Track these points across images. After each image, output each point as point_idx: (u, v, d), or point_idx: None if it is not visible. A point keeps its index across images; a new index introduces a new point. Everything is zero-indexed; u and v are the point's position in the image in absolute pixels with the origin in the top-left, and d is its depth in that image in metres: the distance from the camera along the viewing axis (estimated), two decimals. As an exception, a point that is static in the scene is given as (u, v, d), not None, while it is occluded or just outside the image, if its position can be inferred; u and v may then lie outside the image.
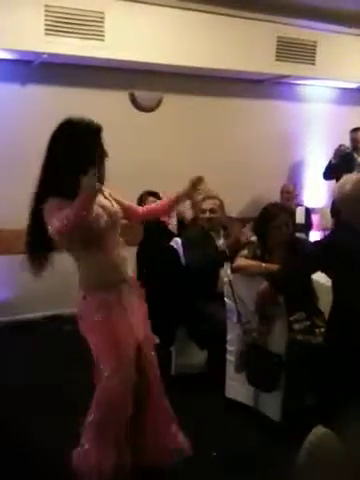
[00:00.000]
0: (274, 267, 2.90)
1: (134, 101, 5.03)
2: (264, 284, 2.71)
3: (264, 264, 2.99)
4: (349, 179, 2.47)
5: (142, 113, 5.07)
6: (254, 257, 3.07)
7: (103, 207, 2.15)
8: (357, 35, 5.71)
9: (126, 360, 2.17)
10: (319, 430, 1.25)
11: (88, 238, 2.10)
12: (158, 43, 4.57)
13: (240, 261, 3.09)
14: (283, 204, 4.37)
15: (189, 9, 4.74)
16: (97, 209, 2.08)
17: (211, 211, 3.58)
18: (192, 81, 5.23)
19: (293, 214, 5.00)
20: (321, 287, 3.06)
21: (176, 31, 4.65)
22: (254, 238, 3.19)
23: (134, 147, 4.98)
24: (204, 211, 3.59)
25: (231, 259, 3.26)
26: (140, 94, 5.02)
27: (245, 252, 3.13)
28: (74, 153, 2.01)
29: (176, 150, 5.19)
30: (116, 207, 2.26)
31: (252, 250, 3.11)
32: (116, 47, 4.39)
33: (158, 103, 5.14)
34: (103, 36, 4.33)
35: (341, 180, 2.51)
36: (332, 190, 2.48)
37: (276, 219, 3.08)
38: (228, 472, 2.53)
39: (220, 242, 3.62)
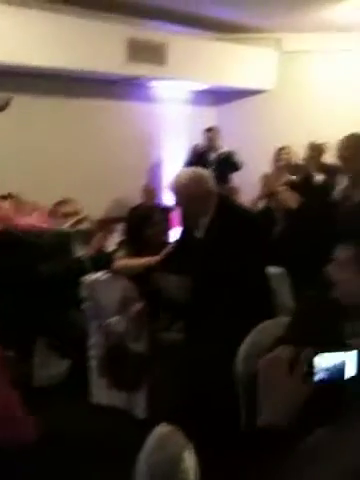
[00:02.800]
0: (153, 259, 2.89)
1: (-20, 101, 4.71)
2: (139, 305, 2.72)
3: (143, 259, 2.95)
4: (185, 171, 2.64)
5: (-11, 114, 4.78)
6: (130, 256, 3.04)
7: None
8: (207, 38, 5.97)
9: None
10: (162, 428, 1.23)
11: None
12: (4, 41, 4.35)
13: (120, 262, 3.03)
14: (151, 204, 4.43)
15: (39, 8, 4.61)
16: None
17: (74, 214, 3.47)
18: (44, 81, 5.07)
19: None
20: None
21: (23, 30, 4.47)
22: (123, 238, 3.17)
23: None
24: (67, 215, 3.45)
25: (95, 267, 3.20)
26: (-14, 94, 4.71)
27: (121, 253, 3.07)
28: None
29: (29, 152, 4.98)
30: None
31: (127, 249, 3.06)
32: None
33: (7, 103, 4.87)
34: None
35: (178, 172, 2.63)
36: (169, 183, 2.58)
37: (151, 219, 3.11)
38: (97, 472, 2.46)
39: (80, 249, 3.50)
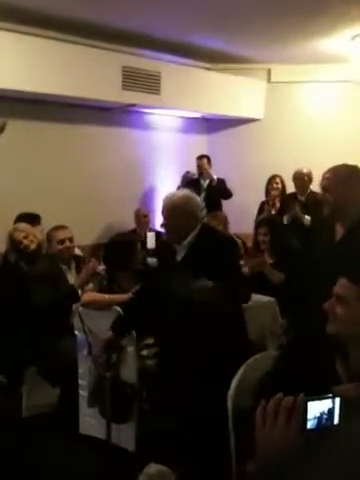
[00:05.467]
0: (118, 297, 2.92)
1: (-25, 126, 4.75)
2: (109, 334, 2.70)
3: (107, 296, 2.99)
4: (178, 192, 2.76)
5: (-16, 139, 4.81)
6: (100, 289, 3.06)
7: None
8: (199, 67, 6.09)
9: None
10: (151, 468, 1.24)
11: None
12: (1, 67, 4.40)
13: (86, 296, 3.06)
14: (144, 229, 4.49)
15: (34, 35, 4.67)
16: None
17: (69, 240, 3.48)
18: (39, 107, 5.13)
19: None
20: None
21: (21, 56, 4.54)
22: (101, 268, 3.18)
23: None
24: (63, 240, 3.45)
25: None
26: (-19, 119, 4.76)
27: (91, 286, 3.10)
28: None
29: (22, 177, 5.01)
30: None
31: (98, 282, 3.09)
32: None
33: (2, 128, 4.92)
34: None
35: (170, 192, 2.74)
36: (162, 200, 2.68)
37: (134, 246, 3.16)
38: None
39: (71, 275, 3.51)
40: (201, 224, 2.63)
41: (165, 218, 2.63)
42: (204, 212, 5.64)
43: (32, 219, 4.19)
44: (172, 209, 2.58)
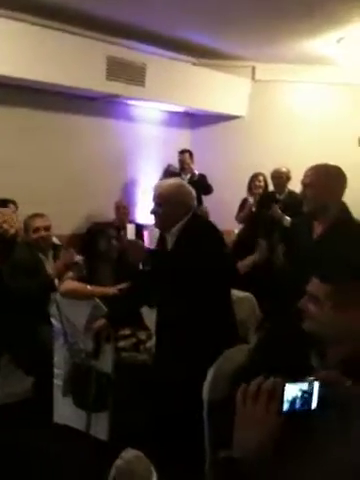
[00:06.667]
0: (99, 290, 2.92)
1: None
2: (101, 321, 2.65)
3: (89, 287, 2.98)
4: (170, 179, 2.77)
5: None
6: (80, 278, 3.05)
7: None
8: (185, 62, 6.08)
9: None
10: (128, 453, 1.26)
11: None
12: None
13: (67, 285, 3.04)
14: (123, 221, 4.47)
15: (18, 20, 4.59)
16: None
17: (45, 229, 3.44)
18: (21, 93, 5.06)
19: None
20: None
21: (3, 41, 4.45)
22: (79, 258, 3.17)
23: None
24: (38, 229, 3.41)
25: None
26: None
27: (70, 274, 3.09)
28: None
29: (2, 166, 4.94)
30: None
31: (77, 271, 3.08)
32: None
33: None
34: None
35: (162, 180, 2.73)
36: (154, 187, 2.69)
37: (105, 233, 3.15)
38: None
39: (49, 265, 3.48)
40: (192, 213, 2.60)
41: (155, 205, 2.62)
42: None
43: (3, 203, 4.13)
44: (162, 197, 2.57)
